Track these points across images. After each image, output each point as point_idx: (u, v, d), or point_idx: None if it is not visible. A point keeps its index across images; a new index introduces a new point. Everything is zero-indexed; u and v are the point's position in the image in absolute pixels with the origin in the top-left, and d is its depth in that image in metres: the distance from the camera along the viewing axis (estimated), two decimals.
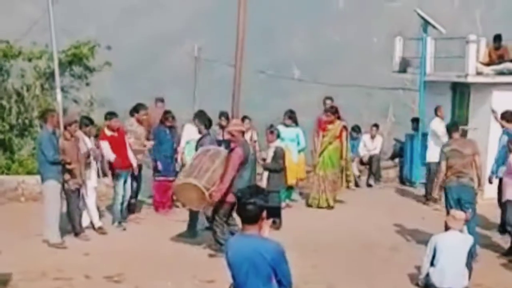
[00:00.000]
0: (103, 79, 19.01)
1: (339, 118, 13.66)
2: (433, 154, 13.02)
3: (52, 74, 15.40)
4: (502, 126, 12.01)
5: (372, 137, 16.78)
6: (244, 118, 13.92)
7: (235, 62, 15.73)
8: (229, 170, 9.82)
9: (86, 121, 11.42)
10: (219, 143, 12.66)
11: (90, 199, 11.13)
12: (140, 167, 12.45)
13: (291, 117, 13.59)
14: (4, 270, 9.28)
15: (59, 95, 13.94)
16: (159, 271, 9.48)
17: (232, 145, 10.20)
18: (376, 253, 10.67)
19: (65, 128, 10.86)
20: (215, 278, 9.17)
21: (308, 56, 60.74)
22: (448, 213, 10.59)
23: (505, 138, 11.44)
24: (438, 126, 13.96)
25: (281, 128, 13.21)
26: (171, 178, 12.30)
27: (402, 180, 16.50)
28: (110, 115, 11.78)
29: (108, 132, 11.63)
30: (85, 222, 11.19)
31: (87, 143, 11.10)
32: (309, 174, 14.24)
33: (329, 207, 13.41)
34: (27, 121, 15.86)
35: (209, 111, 13.43)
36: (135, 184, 12.34)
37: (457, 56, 16.24)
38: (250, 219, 5.12)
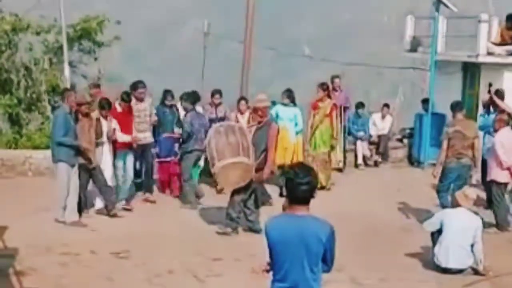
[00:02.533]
0: (112, 55, 18.93)
1: (329, 96, 13.51)
2: None
3: (60, 48, 15.33)
4: (493, 105, 12.17)
5: (383, 116, 16.66)
6: (241, 99, 13.57)
7: (244, 38, 15.63)
8: (272, 146, 10.04)
9: (104, 103, 11.01)
10: (212, 121, 12.60)
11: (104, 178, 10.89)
12: (148, 146, 12.01)
13: (289, 96, 13.19)
14: (11, 244, 9.31)
15: (67, 70, 13.87)
16: (166, 249, 9.46)
17: (260, 119, 10.27)
18: (384, 234, 10.62)
19: (75, 108, 10.57)
20: (222, 256, 9.18)
21: (318, 34, 60.39)
22: (438, 191, 10.90)
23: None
24: None
25: (279, 107, 13.08)
26: (171, 159, 12.19)
27: (411, 160, 16.42)
28: (136, 84, 11.69)
29: (118, 108, 11.44)
30: (98, 204, 11.04)
31: (104, 126, 10.88)
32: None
33: (322, 187, 12.98)
34: (35, 96, 15.79)
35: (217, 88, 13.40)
36: (138, 164, 11.95)
37: (468, 36, 16.09)
38: (303, 199, 4.92)
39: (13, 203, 11.19)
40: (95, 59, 16.88)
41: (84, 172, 10.59)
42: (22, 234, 9.64)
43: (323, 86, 13.51)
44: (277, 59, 41.27)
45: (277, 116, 12.49)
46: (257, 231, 10.07)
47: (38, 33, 16.28)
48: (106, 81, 16.14)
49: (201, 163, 12.46)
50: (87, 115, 10.58)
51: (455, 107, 10.96)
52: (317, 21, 64.19)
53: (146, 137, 11.93)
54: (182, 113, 12.25)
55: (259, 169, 10.05)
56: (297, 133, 13.17)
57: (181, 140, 11.98)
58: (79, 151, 10.40)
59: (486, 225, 10.70)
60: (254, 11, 15.37)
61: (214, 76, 24.42)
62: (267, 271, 5.17)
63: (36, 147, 14.43)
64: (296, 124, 13.09)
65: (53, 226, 10.21)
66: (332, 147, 13.57)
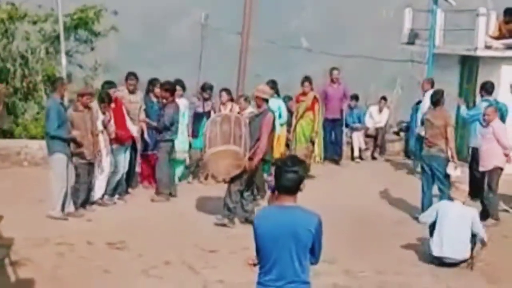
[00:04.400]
0: (109, 45, 18.84)
1: (311, 89, 13.47)
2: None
3: (57, 37, 15.28)
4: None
5: (380, 109, 16.64)
6: (223, 90, 13.15)
7: (242, 30, 15.59)
8: (264, 135, 10.03)
9: (105, 97, 10.80)
10: (199, 115, 12.52)
11: (103, 173, 10.80)
12: (137, 139, 11.82)
13: (273, 87, 12.98)
14: (6, 234, 9.29)
15: (63, 59, 13.81)
16: (162, 240, 9.45)
17: (260, 110, 10.29)
18: (379, 227, 10.62)
19: (77, 97, 10.46)
20: (218, 248, 9.17)
21: (316, 27, 60.32)
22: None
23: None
24: None
25: None
26: (155, 151, 12.00)
27: (407, 153, 16.41)
28: (109, 84, 11.31)
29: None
30: (97, 195, 10.91)
31: (100, 118, 10.68)
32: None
33: None
34: (31, 85, 15.74)
35: (214, 81, 13.34)
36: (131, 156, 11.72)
37: (466, 29, 16.05)
38: (290, 189, 4.90)
39: (8, 193, 11.17)
40: (92, 49, 16.82)
41: (84, 165, 10.41)
42: (18, 225, 9.61)
43: (308, 79, 13.53)
44: (275, 51, 41.12)
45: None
46: (252, 222, 10.02)
47: (34, 22, 16.20)
48: (103, 72, 16.11)
49: (187, 159, 12.50)
50: (87, 106, 10.41)
51: (432, 96, 11.05)
52: (315, 14, 64.11)
53: (136, 130, 11.71)
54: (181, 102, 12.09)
55: (250, 158, 10.03)
56: (281, 125, 13.04)
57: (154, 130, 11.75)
58: (75, 144, 10.21)
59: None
60: (252, 3, 15.32)
61: (212, 67, 24.39)
62: (254, 264, 5.15)
63: (32, 137, 14.41)
64: (280, 116, 12.87)
65: (49, 216, 10.16)
66: (312, 141, 13.40)
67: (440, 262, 8.89)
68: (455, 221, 8.84)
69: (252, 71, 15.90)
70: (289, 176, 4.89)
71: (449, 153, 10.58)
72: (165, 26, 62.29)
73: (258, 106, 10.37)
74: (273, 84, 13.09)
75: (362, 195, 12.32)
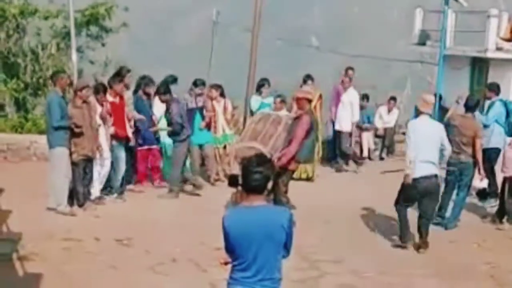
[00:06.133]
0: (120, 41, 18.90)
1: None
2: None
3: (68, 33, 15.29)
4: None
5: (389, 110, 16.61)
6: (213, 86, 13.01)
7: (252, 27, 15.59)
8: (297, 137, 9.81)
9: (100, 88, 10.75)
10: (192, 111, 12.51)
11: (104, 168, 10.76)
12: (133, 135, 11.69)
13: (269, 86, 13.29)
14: (14, 229, 9.35)
15: (74, 55, 13.85)
16: (169, 237, 9.48)
17: (299, 112, 10.15)
18: (385, 227, 10.59)
19: (75, 93, 10.34)
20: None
21: (326, 26, 60.25)
22: None
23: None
24: None
25: (258, 97, 13.25)
26: (153, 147, 12.12)
27: None
28: (116, 78, 11.17)
29: (109, 98, 10.94)
30: (97, 192, 10.89)
31: (98, 111, 10.59)
32: None
33: (308, 179, 13.02)
34: (41, 80, 15.82)
35: (224, 79, 13.33)
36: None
37: (477, 31, 16.01)
38: (256, 188, 4.95)
39: (17, 188, 11.20)
40: (103, 44, 16.87)
41: (83, 162, 10.37)
42: (26, 219, 9.67)
43: (310, 77, 13.56)
44: (284, 49, 41.12)
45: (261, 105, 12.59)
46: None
47: (46, 18, 16.28)
48: (113, 68, 16.16)
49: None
50: (85, 101, 10.28)
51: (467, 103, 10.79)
52: (326, 13, 64.00)
53: (131, 126, 11.64)
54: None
55: (281, 158, 9.92)
56: None
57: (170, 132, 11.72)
58: (73, 139, 10.12)
59: (496, 219, 10.75)
60: (263, 0, 15.33)
61: (222, 65, 24.37)
62: (226, 263, 5.19)
63: (41, 132, 14.43)
64: None
65: (56, 212, 10.21)
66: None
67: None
68: (426, 138, 9.10)
69: (261, 69, 15.87)
70: (255, 176, 4.93)
71: (478, 165, 10.38)
72: (176, 23, 62.38)
73: (301, 108, 10.15)
74: (267, 83, 13.34)
75: (367, 195, 12.26)
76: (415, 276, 8.66)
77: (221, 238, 5.06)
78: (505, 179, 10.84)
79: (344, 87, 14.42)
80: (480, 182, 10.46)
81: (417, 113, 9.60)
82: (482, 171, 10.44)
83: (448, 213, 10.55)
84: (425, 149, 9.05)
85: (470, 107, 10.64)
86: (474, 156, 10.31)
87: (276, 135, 9.88)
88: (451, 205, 10.58)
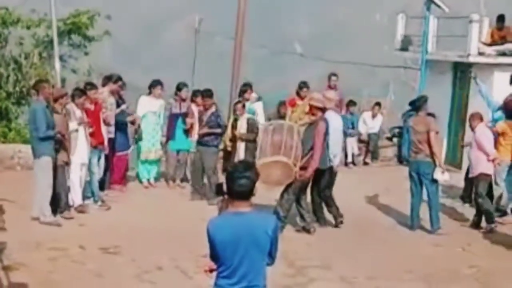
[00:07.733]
0: (103, 50, 18.85)
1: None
2: None
3: (50, 42, 15.27)
4: None
5: (373, 115, 16.68)
6: (204, 93, 12.49)
7: (235, 35, 15.61)
8: (318, 146, 9.94)
9: (78, 93, 10.83)
10: (175, 116, 12.54)
11: (75, 175, 10.74)
12: (111, 140, 11.75)
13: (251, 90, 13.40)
14: None
15: (57, 64, 13.80)
16: (156, 245, 9.44)
17: (312, 119, 10.20)
18: (371, 232, 10.64)
19: (55, 101, 10.36)
20: None
21: (310, 33, 60.43)
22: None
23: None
24: None
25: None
26: (127, 152, 12.25)
27: (400, 159, 16.44)
28: (90, 86, 11.30)
29: (86, 104, 10.95)
30: (79, 199, 10.87)
31: (78, 116, 10.62)
32: None
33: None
34: (24, 90, 15.72)
35: (207, 85, 13.28)
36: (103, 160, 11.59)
37: (459, 36, 16.12)
38: (242, 194, 4.92)
39: (1, 197, 11.11)
40: (86, 53, 16.82)
41: (62, 167, 10.40)
42: (10, 229, 9.60)
43: (306, 85, 13.80)
44: (268, 56, 41.21)
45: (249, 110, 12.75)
46: (309, 230, 10.31)
47: (28, 27, 16.20)
48: (97, 77, 16.11)
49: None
50: (62, 110, 10.38)
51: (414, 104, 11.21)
52: (309, 20, 64.19)
53: (111, 132, 11.76)
54: (149, 101, 12.59)
55: (303, 167, 9.94)
56: None
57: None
58: (57, 145, 10.20)
59: (477, 224, 10.84)
60: (246, 7, 15.35)
61: (205, 72, 24.39)
62: (211, 270, 5.14)
63: (25, 141, 14.36)
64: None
65: (40, 221, 10.13)
66: None
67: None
68: (335, 132, 10.20)
69: (245, 77, 15.90)
70: (241, 181, 4.89)
71: (436, 159, 10.55)
72: (159, 30, 62.31)
73: (313, 115, 10.21)
74: (251, 88, 13.40)
75: (354, 201, 12.29)
76: (403, 280, 8.70)
77: (207, 246, 5.05)
78: (471, 180, 10.98)
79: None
80: (441, 174, 10.48)
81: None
82: (442, 164, 10.67)
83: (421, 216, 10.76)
84: None
85: (416, 108, 10.96)
86: (431, 155, 10.47)
87: (295, 145, 9.87)
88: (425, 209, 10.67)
